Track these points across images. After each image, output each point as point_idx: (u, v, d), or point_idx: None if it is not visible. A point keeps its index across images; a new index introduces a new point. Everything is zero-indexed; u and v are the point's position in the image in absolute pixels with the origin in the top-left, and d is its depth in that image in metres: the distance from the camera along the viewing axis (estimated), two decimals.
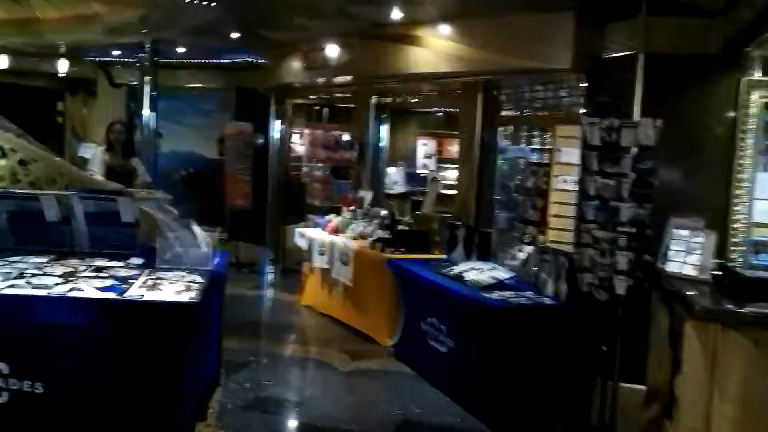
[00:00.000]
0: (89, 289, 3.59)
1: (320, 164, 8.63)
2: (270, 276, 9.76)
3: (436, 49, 6.25)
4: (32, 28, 8.89)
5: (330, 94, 9.41)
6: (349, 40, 7.37)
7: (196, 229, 4.65)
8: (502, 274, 5.35)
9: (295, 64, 8.28)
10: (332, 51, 7.55)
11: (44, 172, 6.06)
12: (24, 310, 3.39)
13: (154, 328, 3.50)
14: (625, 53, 4.89)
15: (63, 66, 11.94)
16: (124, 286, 3.74)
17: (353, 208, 8.09)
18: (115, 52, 10.55)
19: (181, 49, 9.58)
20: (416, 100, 8.28)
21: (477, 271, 5.50)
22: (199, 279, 4.03)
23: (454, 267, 5.73)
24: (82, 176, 6.22)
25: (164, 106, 11.13)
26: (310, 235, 7.85)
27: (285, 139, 9.97)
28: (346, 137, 8.92)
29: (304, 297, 8.09)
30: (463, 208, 6.94)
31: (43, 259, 4.29)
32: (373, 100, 8.59)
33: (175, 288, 3.75)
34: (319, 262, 7.60)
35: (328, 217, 8.11)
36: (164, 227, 4.39)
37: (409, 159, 13.27)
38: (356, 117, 8.97)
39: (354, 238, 7.40)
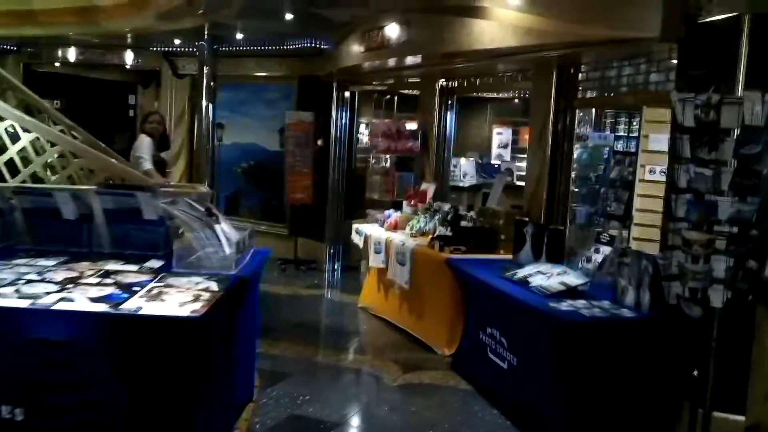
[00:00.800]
0: (82, 299, 3.12)
1: (381, 155, 8.03)
2: (330, 275, 9.27)
3: (502, 20, 5.51)
4: (90, 16, 8.67)
5: (394, 78, 8.79)
6: (411, 16, 6.72)
7: (223, 227, 4.14)
8: (574, 279, 4.62)
9: (356, 47, 7.69)
10: (393, 30, 6.93)
11: (81, 165, 5.76)
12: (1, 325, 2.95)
13: (148, 346, 3.00)
14: (727, 15, 4.04)
15: (129, 57, 11.83)
16: (124, 295, 3.25)
17: (414, 202, 7.48)
18: (177, 41, 10.26)
19: (239, 35, 9.16)
20: (485, 82, 7.55)
21: (545, 276, 4.79)
22: (214, 287, 3.50)
23: (519, 270, 5.03)
24: (125, 171, 5.86)
25: (227, 97, 10.80)
26: (367, 231, 7.28)
27: (348, 129, 9.43)
28: (409, 126, 8.29)
29: (361, 298, 7.55)
30: (533, 203, 6.19)
31: (52, 262, 3.87)
32: (439, 84, 7.92)
33: (181, 298, 3.23)
34: (375, 261, 7.02)
35: (387, 212, 7.52)
36: (184, 226, 3.90)
37: (484, 149, 12.58)
38: (421, 104, 8.32)
39: (414, 236, 6.79)
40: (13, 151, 5.71)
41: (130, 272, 3.74)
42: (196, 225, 3.89)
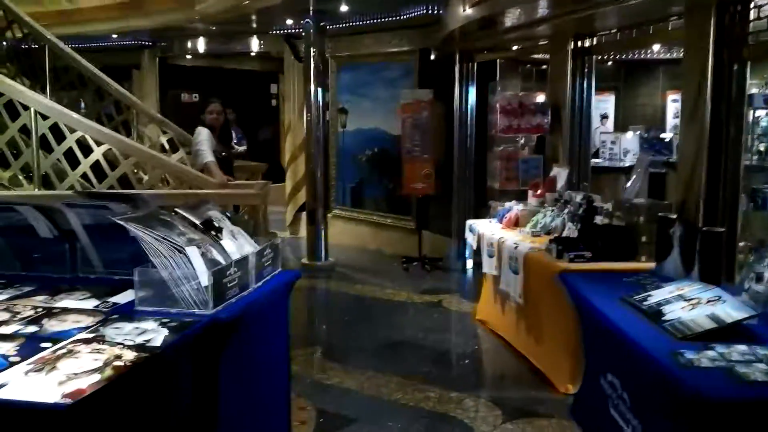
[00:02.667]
0: None
1: (503, 135, 6.64)
2: (456, 275, 8.04)
3: None
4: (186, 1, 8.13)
5: (519, 42, 7.33)
6: None
7: (226, 245, 3.13)
8: (732, 311, 3.06)
9: (471, 10, 6.35)
10: None
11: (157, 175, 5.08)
12: None
13: None
14: None
15: (254, 44, 11.31)
16: (16, 359, 2.32)
17: (541, 192, 6.05)
18: (289, 21, 9.47)
19: (344, 7, 8.14)
20: (627, 36, 5.92)
21: (688, 303, 3.26)
22: (158, 341, 2.48)
23: (654, 292, 3.53)
24: (181, 169, 5.08)
25: (348, 79, 9.88)
26: (480, 229, 5.97)
27: (472, 107, 8.11)
28: (536, 99, 6.81)
29: (477, 309, 6.28)
30: (687, 193, 4.57)
31: (3, 296, 3.06)
32: (571, 45, 6.38)
33: (82, 365, 2.25)
34: (487, 266, 5.73)
35: (508, 204, 6.16)
36: (147, 249, 2.91)
37: (657, 120, 10.68)
38: (552, 71, 6.81)
39: (536, 235, 5.41)
40: (59, 152, 5.13)
41: (76, 312, 2.83)
42: (162, 248, 2.88)
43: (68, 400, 2.01)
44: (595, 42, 6.30)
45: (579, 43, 6.35)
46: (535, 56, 7.84)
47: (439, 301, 6.92)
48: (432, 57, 8.38)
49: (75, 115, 5.05)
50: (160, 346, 2.46)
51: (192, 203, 3.75)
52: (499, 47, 7.63)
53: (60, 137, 5.06)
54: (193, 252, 2.91)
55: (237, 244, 3.36)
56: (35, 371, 2.21)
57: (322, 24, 8.32)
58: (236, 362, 3.06)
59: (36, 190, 5.08)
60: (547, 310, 4.77)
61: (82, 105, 6.92)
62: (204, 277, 2.84)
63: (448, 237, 8.36)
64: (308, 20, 8.19)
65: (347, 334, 6.04)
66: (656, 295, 3.46)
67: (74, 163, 5.10)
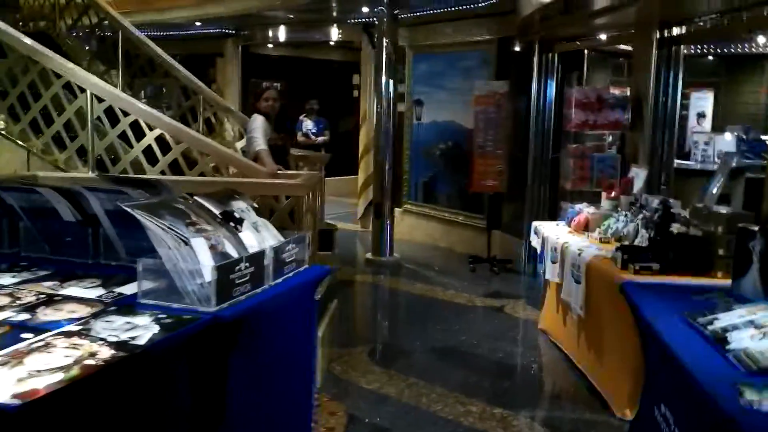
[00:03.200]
0: None
1: (576, 131, 6.18)
2: (525, 279, 7.63)
3: None
4: None
5: (601, 29, 6.83)
6: None
7: (244, 237, 2.94)
8: None
9: None
10: None
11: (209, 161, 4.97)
12: None
13: None
14: None
15: (334, 33, 11.18)
16: None
17: (615, 194, 5.59)
18: (365, 9, 9.25)
19: None
20: (721, 23, 5.35)
21: (758, 331, 2.82)
22: (143, 339, 2.30)
23: (723, 313, 3.09)
24: (231, 157, 4.94)
25: (424, 70, 9.58)
26: (545, 232, 5.57)
27: (550, 101, 7.65)
28: (614, 92, 6.31)
29: (541, 317, 5.88)
30: None
31: (12, 280, 2.97)
32: (656, 33, 5.85)
33: (50, 361, 2.08)
34: (550, 273, 5.32)
35: (578, 206, 5.72)
36: (153, 239, 2.74)
37: (759, 120, 9.84)
38: (635, 62, 6.28)
39: (605, 241, 4.98)
40: (113, 135, 5.08)
41: (76, 301, 2.69)
42: (168, 238, 2.70)
43: (17, 401, 1.83)
44: (684, 31, 5.75)
45: (666, 32, 5.82)
46: (623, 47, 7.29)
47: (501, 306, 6.55)
48: (514, 48, 7.96)
49: (129, 98, 5.00)
50: (143, 345, 2.27)
51: (219, 192, 3.59)
52: (581, 36, 7.13)
53: (116, 122, 5.04)
54: (199, 243, 2.71)
55: (259, 238, 3.15)
56: (12, 362, 2.06)
57: (395, 12, 8.06)
58: (249, 364, 2.85)
59: (90, 173, 5.08)
60: (610, 325, 4.35)
61: (149, 91, 6.96)
62: (207, 272, 2.64)
63: (519, 238, 7.94)
64: (381, 8, 7.95)
65: (398, 336, 5.79)
66: (724, 318, 3.03)
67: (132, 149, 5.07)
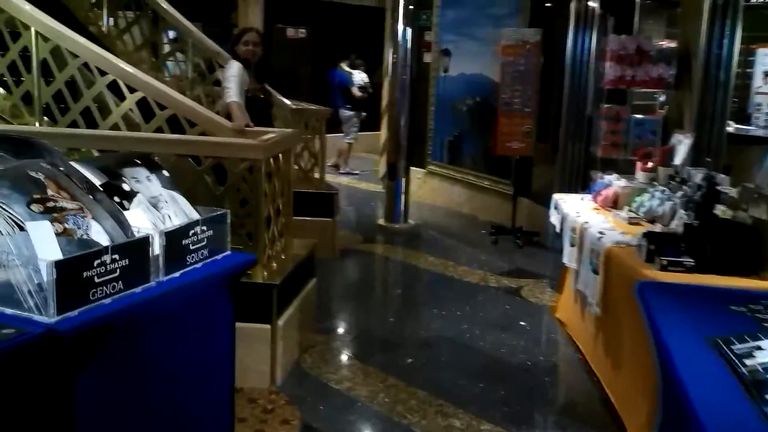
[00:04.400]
0: None
1: (610, 87, 5.25)
2: (551, 256, 6.78)
3: None
4: None
5: None
6: None
7: (45, 229, 2.17)
8: None
9: None
10: None
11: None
12: None
13: None
14: None
15: None
16: None
17: (653, 164, 4.71)
18: None
19: None
20: None
21: None
22: None
23: (764, 341, 2.28)
24: (191, 110, 4.22)
25: (453, 16, 8.64)
26: (565, 208, 4.73)
27: (590, 55, 6.66)
28: (659, 44, 5.33)
29: (559, 305, 5.08)
30: None
31: None
32: None
33: None
34: (567, 257, 4.51)
35: (607, 177, 4.86)
36: None
37: None
38: (684, 11, 5.28)
39: (633, 222, 4.15)
40: (60, 80, 4.40)
41: None
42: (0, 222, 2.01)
43: None
44: None
45: None
46: None
47: (518, 287, 5.75)
48: None
49: (78, 37, 4.32)
50: None
51: (110, 156, 2.87)
52: None
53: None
54: (39, 228, 2.02)
55: (154, 217, 2.45)
56: None
57: None
58: (118, 383, 2.18)
59: (37, 123, 4.45)
60: (630, 330, 3.54)
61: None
62: (43, 269, 1.94)
63: (549, 208, 7.07)
64: None
65: (388, 322, 5.06)
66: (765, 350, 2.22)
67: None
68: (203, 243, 2.51)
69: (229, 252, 2.63)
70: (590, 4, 6.49)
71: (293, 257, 4.27)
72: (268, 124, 4.93)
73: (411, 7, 7.23)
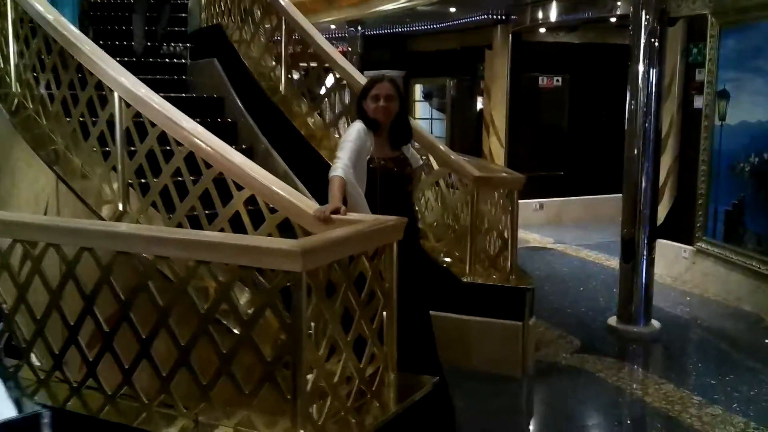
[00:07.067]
0: None
1: None
2: None
3: None
4: None
5: None
6: None
7: None
8: None
9: None
10: None
11: None
12: None
13: None
14: None
15: (619, 7, 8.50)
16: None
17: None
18: None
19: None
20: None
21: None
22: None
23: None
24: (272, 192, 3.08)
25: (732, 47, 6.48)
26: None
27: None
28: None
29: None
30: None
31: None
32: None
33: None
34: None
35: None
36: None
37: None
38: None
39: None
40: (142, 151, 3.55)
41: None
42: None
43: None
44: None
45: None
46: None
47: None
48: None
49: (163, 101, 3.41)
50: None
51: None
52: None
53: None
54: None
55: None
56: None
57: None
58: None
59: (120, 206, 3.64)
60: None
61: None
62: None
63: None
64: None
65: None
66: None
67: None
68: None
69: None
70: None
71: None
72: (404, 205, 3.56)
73: (654, 41, 5.36)
